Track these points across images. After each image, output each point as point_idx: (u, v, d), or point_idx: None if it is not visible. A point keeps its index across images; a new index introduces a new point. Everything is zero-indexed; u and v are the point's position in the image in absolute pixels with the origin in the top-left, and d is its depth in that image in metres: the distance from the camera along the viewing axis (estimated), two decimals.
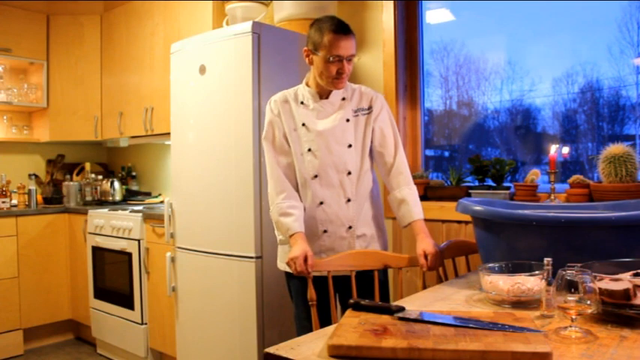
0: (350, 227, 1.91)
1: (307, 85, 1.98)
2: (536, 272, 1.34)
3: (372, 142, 1.97)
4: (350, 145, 1.92)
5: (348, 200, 1.91)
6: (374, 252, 1.88)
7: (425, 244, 1.81)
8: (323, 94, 1.94)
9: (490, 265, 1.45)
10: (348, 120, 1.94)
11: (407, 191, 1.93)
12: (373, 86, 2.57)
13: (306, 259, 1.73)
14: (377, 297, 1.83)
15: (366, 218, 1.96)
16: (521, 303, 1.32)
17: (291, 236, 1.82)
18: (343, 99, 1.95)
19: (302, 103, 1.95)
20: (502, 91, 2.67)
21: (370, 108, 1.97)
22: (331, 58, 1.80)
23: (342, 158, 1.91)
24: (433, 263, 1.79)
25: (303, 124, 1.92)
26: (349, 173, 1.91)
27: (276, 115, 1.95)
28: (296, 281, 1.92)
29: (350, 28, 1.84)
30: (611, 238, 1.39)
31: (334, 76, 1.84)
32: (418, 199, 1.95)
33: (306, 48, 1.90)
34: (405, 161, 1.98)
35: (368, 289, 1.89)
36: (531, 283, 1.32)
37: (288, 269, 1.87)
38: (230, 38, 2.51)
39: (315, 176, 1.90)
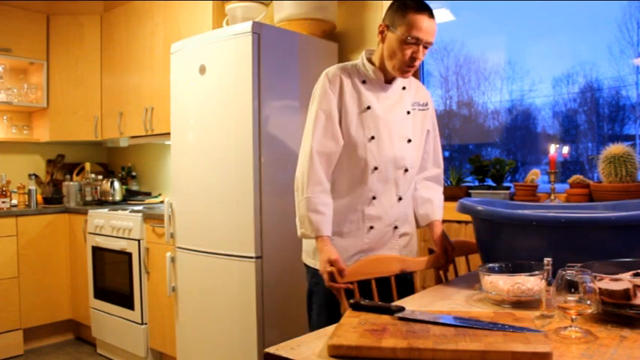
0: (396, 227, 1.81)
1: (371, 62, 1.76)
2: (536, 272, 1.34)
3: None
4: (409, 140, 1.78)
5: (400, 199, 1.79)
6: (395, 257, 1.75)
7: (447, 241, 1.83)
8: (386, 78, 1.75)
9: (490, 265, 1.45)
10: (408, 112, 1.79)
11: (434, 192, 1.88)
12: None
13: (339, 272, 1.58)
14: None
15: (409, 217, 1.86)
16: (521, 303, 1.32)
17: (317, 237, 1.65)
18: (404, 88, 1.80)
19: (364, 82, 1.74)
20: (502, 91, 2.67)
21: (426, 105, 1.85)
22: (409, 38, 1.60)
23: (402, 153, 1.76)
24: (451, 258, 1.83)
25: (369, 107, 1.71)
26: (406, 170, 1.78)
27: (337, 90, 1.70)
28: (324, 288, 1.71)
29: (432, 10, 1.64)
30: (611, 238, 1.39)
31: (406, 62, 1.64)
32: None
33: (381, 24, 1.68)
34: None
35: (386, 292, 1.73)
36: (531, 283, 1.32)
37: (312, 263, 1.78)
38: (230, 38, 2.51)
39: (375, 168, 1.72)
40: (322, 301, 1.76)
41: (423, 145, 1.87)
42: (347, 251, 1.74)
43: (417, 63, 1.66)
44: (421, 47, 1.63)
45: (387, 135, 1.72)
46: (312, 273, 1.79)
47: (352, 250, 1.76)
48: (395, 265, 1.72)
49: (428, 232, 1.94)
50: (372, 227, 1.75)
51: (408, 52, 1.63)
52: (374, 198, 1.74)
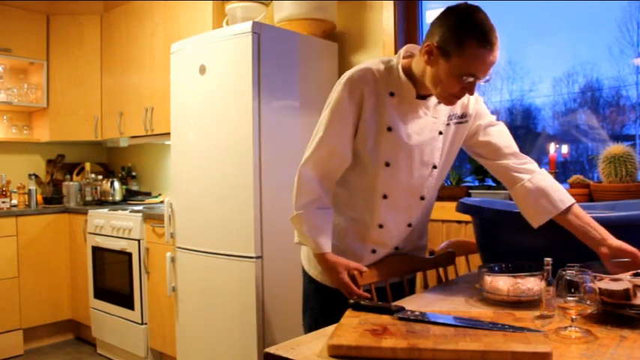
0: (397, 248, 1.63)
1: (405, 69, 1.46)
2: (536, 272, 1.34)
3: (480, 154, 1.59)
4: (435, 167, 1.54)
5: (409, 225, 1.60)
6: (408, 257, 1.69)
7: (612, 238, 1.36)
8: (420, 91, 1.46)
9: (490, 265, 1.45)
10: (440, 133, 1.51)
11: (541, 177, 1.49)
12: None
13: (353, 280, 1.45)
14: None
15: (415, 241, 1.67)
16: (521, 303, 1.32)
17: (319, 254, 1.49)
18: (439, 101, 1.48)
19: (392, 94, 1.46)
20: (502, 91, 2.67)
21: (465, 116, 1.54)
22: (465, 78, 1.32)
23: (421, 181, 1.53)
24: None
25: (389, 129, 1.45)
26: (422, 198, 1.57)
27: (356, 103, 1.44)
28: (320, 298, 1.64)
29: (497, 36, 1.32)
30: None
31: (455, 94, 1.37)
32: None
33: (430, 43, 1.34)
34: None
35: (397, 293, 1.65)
36: (531, 283, 1.32)
37: (312, 273, 1.65)
38: (230, 38, 2.51)
39: (385, 196, 1.51)
40: (318, 310, 1.65)
41: (452, 164, 1.62)
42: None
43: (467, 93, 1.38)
44: (475, 81, 1.35)
45: (407, 162, 1.49)
46: (309, 279, 1.69)
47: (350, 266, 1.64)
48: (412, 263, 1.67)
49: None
50: (374, 251, 1.59)
51: (458, 86, 1.34)
52: (380, 226, 1.54)
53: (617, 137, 2.37)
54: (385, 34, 2.78)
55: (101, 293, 3.53)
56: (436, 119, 1.51)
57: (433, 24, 1.37)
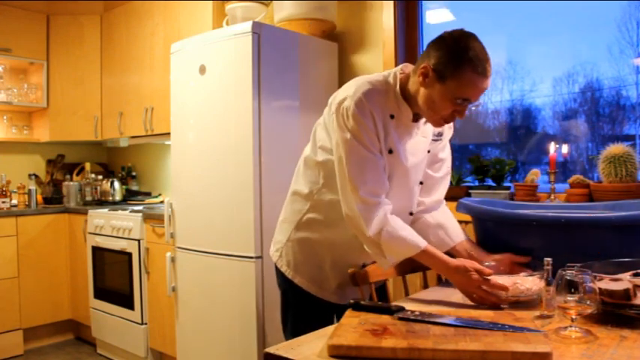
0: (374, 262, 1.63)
1: (403, 91, 1.47)
2: (535, 272, 1.34)
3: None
4: (421, 183, 1.63)
5: None
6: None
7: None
8: (414, 111, 1.49)
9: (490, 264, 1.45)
10: (428, 151, 1.60)
11: (442, 215, 1.68)
12: None
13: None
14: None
15: None
16: (520, 303, 1.32)
17: (421, 252, 1.42)
18: (426, 121, 1.53)
19: (392, 117, 1.46)
20: (502, 91, 2.67)
21: (441, 134, 1.63)
22: (458, 101, 1.36)
23: (411, 199, 1.59)
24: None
25: (391, 151, 1.47)
26: (411, 214, 1.62)
27: (374, 125, 1.42)
28: (299, 300, 1.64)
29: (491, 65, 1.37)
30: (611, 238, 1.39)
31: (445, 118, 1.41)
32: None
33: (427, 65, 1.37)
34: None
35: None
36: (530, 282, 1.32)
37: (295, 282, 1.64)
38: (230, 38, 2.51)
39: None
40: (297, 316, 1.65)
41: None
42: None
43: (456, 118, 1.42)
44: (466, 105, 1.40)
45: (404, 182, 1.52)
46: (283, 279, 1.68)
47: (336, 281, 1.64)
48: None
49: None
50: (365, 265, 1.61)
51: (450, 109, 1.38)
52: None
53: (617, 137, 2.37)
54: (385, 34, 2.78)
55: (101, 293, 3.53)
56: (425, 138, 1.57)
57: (430, 46, 1.40)
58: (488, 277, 1.33)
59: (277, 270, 1.73)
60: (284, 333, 1.73)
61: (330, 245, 1.61)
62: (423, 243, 1.42)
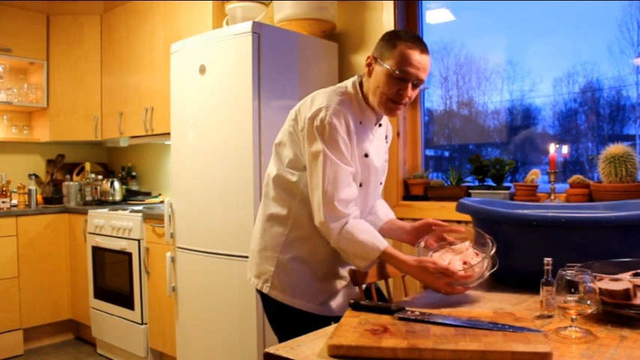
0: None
1: (365, 97, 1.57)
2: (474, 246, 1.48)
3: None
4: (381, 183, 1.73)
5: None
6: None
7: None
8: (377, 119, 1.62)
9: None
10: (386, 152, 1.73)
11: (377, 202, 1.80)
12: None
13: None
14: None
15: None
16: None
17: (381, 254, 1.45)
18: (380, 125, 1.66)
19: (361, 123, 1.56)
20: (502, 91, 2.67)
21: (387, 137, 1.76)
22: (397, 72, 1.45)
23: (373, 198, 1.71)
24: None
25: (366, 155, 1.57)
26: (370, 213, 1.73)
27: (349, 134, 1.50)
28: (285, 318, 1.60)
29: (428, 49, 1.51)
30: (611, 238, 1.39)
31: (391, 98, 1.49)
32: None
33: (370, 55, 1.54)
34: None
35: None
36: (475, 258, 1.42)
37: (294, 306, 1.58)
38: (230, 38, 2.51)
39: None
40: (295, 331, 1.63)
41: None
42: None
43: (406, 101, 1.50)
44: (410, 84, 1.48)
45: (373, 182, 1.63)
46: (277, 309, 1.60)
47: (328, 293, 1.64)
48: None
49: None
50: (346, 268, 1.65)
51: (395, 88, 1.47)
52: None
53: (617, 137, 2.37)
54: None
55: (101, 293, 3.53)
56: (380, 141, 1.68)
57: (375, 46, 1.56)
58: (448, 267, 1.38)
59: (268, 301, 1.62)
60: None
61: (319, 258, 1.59)
62: (382, 245, 1.45)
